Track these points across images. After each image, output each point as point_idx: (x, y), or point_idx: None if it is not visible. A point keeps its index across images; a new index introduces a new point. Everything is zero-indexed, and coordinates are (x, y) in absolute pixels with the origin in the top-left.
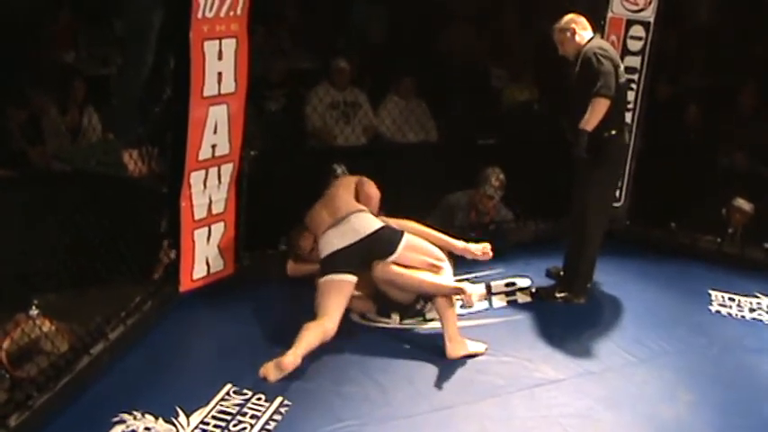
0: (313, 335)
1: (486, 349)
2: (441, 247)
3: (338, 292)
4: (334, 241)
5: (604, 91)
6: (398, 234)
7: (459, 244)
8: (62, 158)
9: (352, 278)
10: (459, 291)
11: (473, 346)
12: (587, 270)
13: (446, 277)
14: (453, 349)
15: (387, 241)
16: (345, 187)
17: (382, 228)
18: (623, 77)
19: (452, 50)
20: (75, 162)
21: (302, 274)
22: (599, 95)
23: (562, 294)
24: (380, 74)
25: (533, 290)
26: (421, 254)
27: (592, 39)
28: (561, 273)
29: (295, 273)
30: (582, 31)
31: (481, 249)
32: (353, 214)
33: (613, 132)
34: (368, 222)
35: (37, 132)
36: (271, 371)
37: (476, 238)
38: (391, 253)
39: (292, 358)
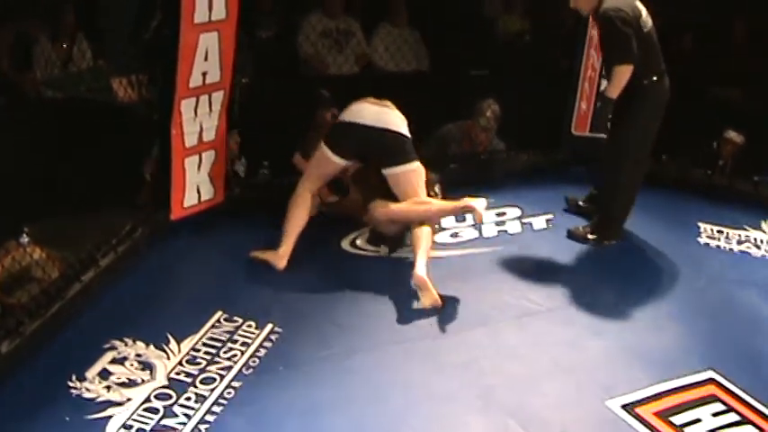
0: (297, 223)
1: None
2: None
3: (321, 166)
4: (361, 111)
5: (623, 58)
6: (415, 156)
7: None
8: (52, 85)
9: (341, 162)
10: (467, 208)
11: (432, 296)
12: (622, 214)
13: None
14: (421, 271)
15: (402, 150)
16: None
17: (409, 138)
18: (647, 26)
19: None
20: (65, 89)
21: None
22: (619, 64)
23: (594, 236)
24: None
25: (566, 231)
26: (419, 186)
27: None
28: (580, 202)
29: (300, 167)
30: None
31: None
32: (397, 113)
33: (654, 78)
34: (402, 124)
35: (27, 59)
36: (260, 258)
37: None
38: (396, 164)
39: (285, 259)
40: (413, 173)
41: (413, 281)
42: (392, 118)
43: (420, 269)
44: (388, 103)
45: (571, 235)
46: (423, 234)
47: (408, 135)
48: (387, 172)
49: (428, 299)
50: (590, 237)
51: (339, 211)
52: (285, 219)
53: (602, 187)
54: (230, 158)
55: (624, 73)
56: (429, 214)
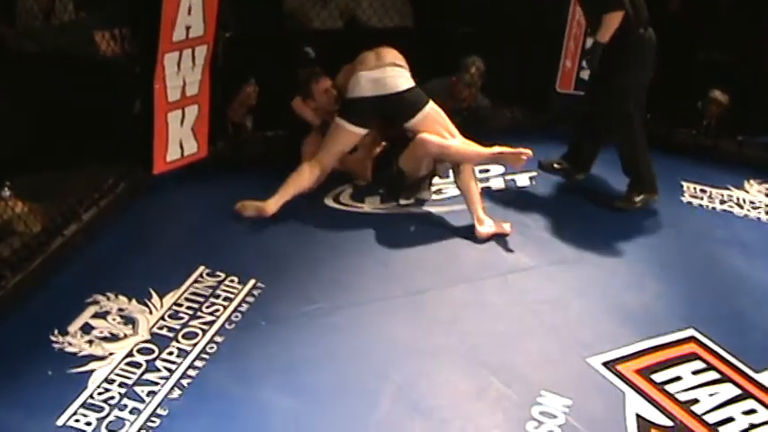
0: (296, 184)
1: (511, 227)
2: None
3: (342, 141)
4: (362, 85)
5: (613, 5)
6: (423, 100)
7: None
8: (33, 37)
9: (361, 131)
10: (504, 155)
11: (499, 226)
12: (649, 165)
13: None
14: (484, 228)
15: (410, 103)
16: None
17: (410, 89)
18: None
19: None
20: (46, 41)
21: (303, 116)
22: (610, 12)
23: (640, 198)
24: None
25: (614, 203)
26: (439, 125)
27: None
28: (555, 165)
29: (299, 110)
30: None
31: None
32: (392, 67)
33: (641, 31)
34: (400, 80)
35: (10, 13)
36: (248, 208)
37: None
38: (411, 117)
39: (274, 207)
40: (429, 113)
41: (479, 237)
42: (396, 80)
43: (481, 230)
44: (383, 55)
45: (618, 207)
46: (471, 188)
47: (412, 83)
48: (408, 125)
49: (501, 229)
50: (637, 200)
51: (344, 167)
52: (288, 179)
53: (620, 152)
54: (246, 108)
55: (614, 19)
56: (466, 155)
